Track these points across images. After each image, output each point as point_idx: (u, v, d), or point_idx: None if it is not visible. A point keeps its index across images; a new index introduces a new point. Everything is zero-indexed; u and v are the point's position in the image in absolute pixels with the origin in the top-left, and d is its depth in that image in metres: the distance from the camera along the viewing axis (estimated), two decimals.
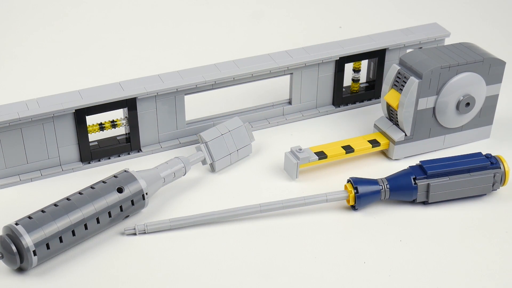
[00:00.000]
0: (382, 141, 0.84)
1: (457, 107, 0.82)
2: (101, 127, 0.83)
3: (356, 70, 0.94)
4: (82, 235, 0.70)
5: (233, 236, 0.73)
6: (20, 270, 0.68)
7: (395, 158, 0.84)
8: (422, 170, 0.76)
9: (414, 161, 0.82)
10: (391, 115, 0.84)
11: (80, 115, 0.80)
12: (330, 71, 0.91)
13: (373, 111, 0.94)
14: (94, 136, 0.85)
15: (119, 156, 0.85)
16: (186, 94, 0.85)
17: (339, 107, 0.94)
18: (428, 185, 0.75)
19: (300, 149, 0.81)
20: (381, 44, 0.92)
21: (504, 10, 1.25)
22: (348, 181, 0.76)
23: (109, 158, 0.84)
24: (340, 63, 0.91)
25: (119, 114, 0.86)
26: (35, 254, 0.66)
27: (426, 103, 0.81)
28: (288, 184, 0.81)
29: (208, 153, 0.81)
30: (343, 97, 0.94)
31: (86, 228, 0.70)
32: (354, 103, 0.95)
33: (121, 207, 0.72)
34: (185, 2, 1.26)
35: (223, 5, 1.26)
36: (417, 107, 0.81)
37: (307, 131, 0.90)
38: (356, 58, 0.91)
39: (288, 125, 0.92)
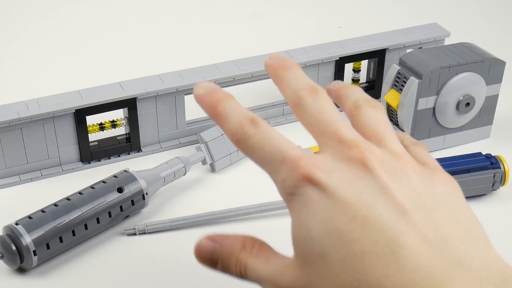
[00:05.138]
0: None
1: (457, 107, 0.82)
2: (101, 127, 0.83)
3: (356, 70, 0.94)
4: (82, 235, 0.70)
5: None
6: (20, 270, 0.68)
7: None
8: None
9: None
10: (391, 115, 0.84)
11: (80, 115, 0.80)
12: (330, 71, 0.91)
13: None
14: (94, 136, 0.85)
15: (119, 156, 0.85)
16: (186, 94, 0.85)
17: (339, 107, 0.94)
18: None
19: None
20: (381, 44, 0.92)
21: (504, 10, 1.25)
22: None
23: (109, 158, 0.84)
24: (340, 63, 0.90)
25: (119, 114, 0.86)
26: (35, 254, 0.66)
27: (426, 103, 0.81)
28: None
29: (208, 153, 0.81)
30: None
31: (86, 228, 0.70)
32: None
33: (121, 207, 0.72)
34: (185, 2, 1.26)
35: (223, 5, 1.26)
36: (417, 107, 0.81)
37: (307, 131, 0.90)
38: (356, 58, 0.91)
39: (288, 125, 0.92)
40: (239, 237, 0.46)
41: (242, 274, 0.45)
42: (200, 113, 0.90)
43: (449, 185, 0.43)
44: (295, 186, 0.41)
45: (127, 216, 0.74)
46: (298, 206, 0.41)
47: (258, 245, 0.45)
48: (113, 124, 0.83)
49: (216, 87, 0.46)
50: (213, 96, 0.46)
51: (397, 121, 0.83)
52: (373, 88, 0.96)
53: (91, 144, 0.83)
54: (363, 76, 0.98)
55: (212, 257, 0.47)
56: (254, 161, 0.45)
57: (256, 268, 0.44)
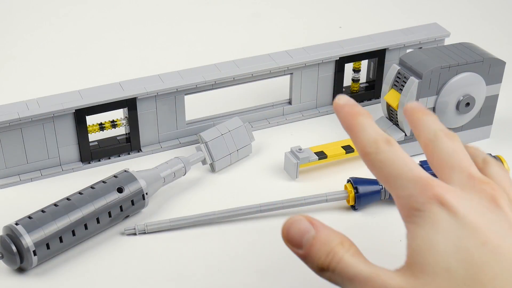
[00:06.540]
0: None
1: (457, 107, 0.82)
2: (101, 127, 0.83)
3: (356, 70, 0.94)
4: (82, 235, 0.70)
5: (233, 236, 0.73)
6: (20, 270, 0.68)
7: None
8: None
9: None
10: (391, 115, 0.84)
11: (80, 115, 0.80)
12: (330, 71, 0.91)
13: (373, 111, 0.94)
14: (94, 136, 0.85)
15: (119, 156, 0.85)
16: (186, 94, 0.85)
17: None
18: None
19: (300, 149, 0.81)
20: (381, 44, 0.92)
21: (504, 10, 1.25)
22: (348, 181, 0.76)
23: (109, 158, 0.84)
24: (340, 63, 0.91)
25: (119, 114, 0.86)
26: (35, 254, 0.66)
27: (426, 103, 0.81)
28: (288, 184, 0.81)
29: (208, 153, 0.81)
30: None
31: (86, 228, 0.70)
32: None
33: (121, 207, 0.72)
34: (185, 2, 1.26)
35: (223, 5, 1.26)
36: None
37: (307, 131, 0.90)
38: (356, 58, 0.91)
39: (288, 125, 0.92)
40: (338, 232, 0.47)
41: (331, 267, 0.45)
42: (200, 113, 0.90)
43: None
44: (423, 203, 0.44)
45: (127, 216, 0.74)
46: (422, 222, 0.44)
47: (355, 248, 0.47)
48: (113, 124, 0.83)
49: (356, 103, 0.50)
50: (353, 108, 0.49)
51: (397, 121, 0.83)
52: (373, 88, 0.96)
53: (91, 144, 0.83)
54: (363, 76, 0.98)
55: (301, 238, 0.46)
56: (379, 176, 0.48)
57: (354, 265, 0.45)
